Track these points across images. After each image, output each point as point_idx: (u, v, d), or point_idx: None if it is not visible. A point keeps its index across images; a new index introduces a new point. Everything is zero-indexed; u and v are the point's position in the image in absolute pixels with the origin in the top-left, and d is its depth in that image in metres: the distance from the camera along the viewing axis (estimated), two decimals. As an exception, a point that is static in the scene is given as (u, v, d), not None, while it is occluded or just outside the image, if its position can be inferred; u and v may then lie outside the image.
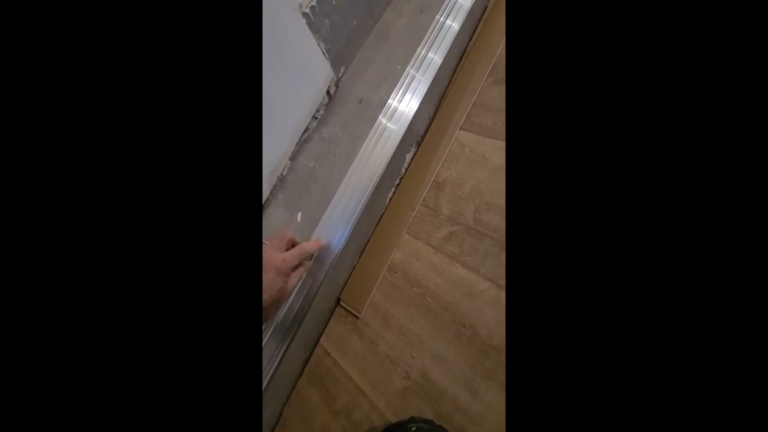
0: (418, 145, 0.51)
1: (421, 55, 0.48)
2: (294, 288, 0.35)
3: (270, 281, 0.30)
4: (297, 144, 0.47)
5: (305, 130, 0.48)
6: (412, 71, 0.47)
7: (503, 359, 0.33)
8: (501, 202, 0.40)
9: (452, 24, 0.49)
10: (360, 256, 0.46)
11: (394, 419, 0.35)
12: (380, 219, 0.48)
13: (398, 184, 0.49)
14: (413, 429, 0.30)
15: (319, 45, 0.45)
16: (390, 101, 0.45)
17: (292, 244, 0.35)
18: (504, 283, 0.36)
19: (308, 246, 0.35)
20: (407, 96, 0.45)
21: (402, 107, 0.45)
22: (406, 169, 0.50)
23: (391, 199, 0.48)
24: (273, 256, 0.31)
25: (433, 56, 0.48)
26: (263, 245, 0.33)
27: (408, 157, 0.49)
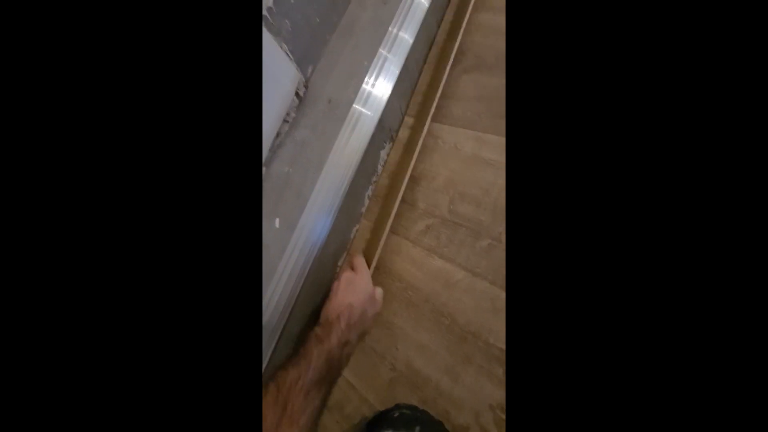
0: (393, 140, 0.51)
1: (392, 35, 0.47)
2: (381, 300, 0.39)
3: (361, 287, 0.35)
4: (270, 150, 0.47)
5: (277, 135, 0.48)
6: (384, 52, 0.46)
7: (481, 344, 0.34)
8: (473, 191, 0.41)
9: (421, 0, 0.49)
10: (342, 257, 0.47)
11: (382, 409, 0.36)
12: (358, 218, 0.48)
13: (376, 182, 0.49)
14: (396, 415, 0.32)
15: (281, 47, 0.44)
16: (363, 86, 0.45)
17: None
18: (479, 270, 0.37)
19: (360, 259, 0.39)
20: (380, 79, 0.45)
21: (375, 92, 0.45)
22: (383, 167, 0.50)
23: (370, 197, 0.49)
24: (348, 272, 0.37)
25: (404, 35, 0.47)
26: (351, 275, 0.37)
27: (383, 153, 0.50)
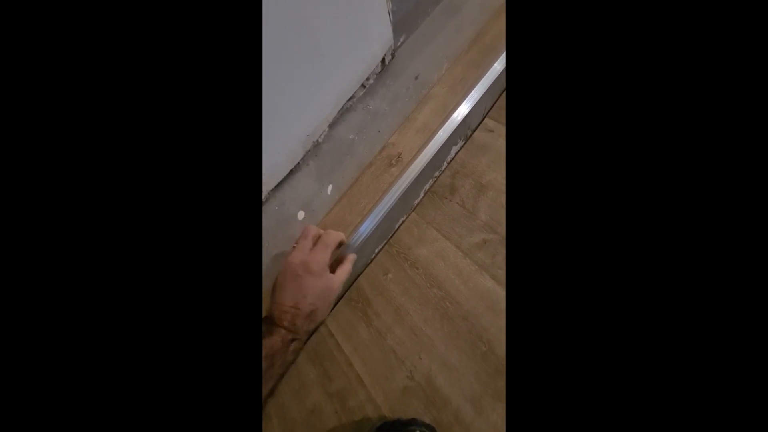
0: (467, 139, 0.47)
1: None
2: (342, 282, 0.32)
3: (308, 285, 0.29)
4: (339, 111, 0.43)
5: (350, 98, 0.44)
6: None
7: (518, 384, 0.31)
8: (548, 220, 0.37)
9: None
10: (384, 244, 0.44)
11: (390, 415, 0.34)
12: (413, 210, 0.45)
13: (438, 177, 0.46)
14: (416, 431, 0.29)
15: (387, 2, 0.39)
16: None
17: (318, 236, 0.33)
18: (534, 306, 0.34)
19: (331, 237, 0.32)
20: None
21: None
22: (449, 163, 0.46)
23: (426, 192, 0.45)
24: (297, 259, 0.30)
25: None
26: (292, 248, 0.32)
27: (454, 150, 0.46)
